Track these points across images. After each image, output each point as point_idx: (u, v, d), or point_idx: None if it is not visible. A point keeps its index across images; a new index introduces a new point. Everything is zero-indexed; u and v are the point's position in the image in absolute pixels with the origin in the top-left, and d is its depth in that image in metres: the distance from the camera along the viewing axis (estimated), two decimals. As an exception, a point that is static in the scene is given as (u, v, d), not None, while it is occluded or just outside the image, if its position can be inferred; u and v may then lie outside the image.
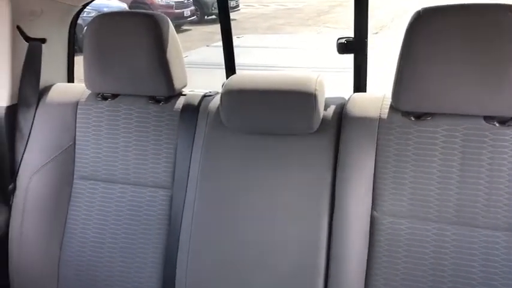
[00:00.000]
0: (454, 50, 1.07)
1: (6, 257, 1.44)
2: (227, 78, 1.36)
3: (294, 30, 10.13)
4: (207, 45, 8.25)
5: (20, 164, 1.45)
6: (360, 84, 1.53)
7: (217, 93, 1.42)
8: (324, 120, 1.26)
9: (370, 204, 1.20)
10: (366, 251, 1.20)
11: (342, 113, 1.27)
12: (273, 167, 1.27)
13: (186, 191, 1.33)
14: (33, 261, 1.41)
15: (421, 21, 1.10)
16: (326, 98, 1.29)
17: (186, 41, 8.51)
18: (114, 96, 1.43)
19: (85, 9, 1.73)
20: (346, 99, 1.31)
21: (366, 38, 1.49)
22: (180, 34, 8.76)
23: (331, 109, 1.29)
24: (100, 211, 1.40)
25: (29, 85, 1.49)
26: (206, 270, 1.29)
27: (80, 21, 1.74)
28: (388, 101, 1.23)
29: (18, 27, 1.46)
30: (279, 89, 1.24)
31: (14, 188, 1.45)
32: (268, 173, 1.27)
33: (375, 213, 1.20)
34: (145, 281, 1.35)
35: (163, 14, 1.37)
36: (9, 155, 1.47)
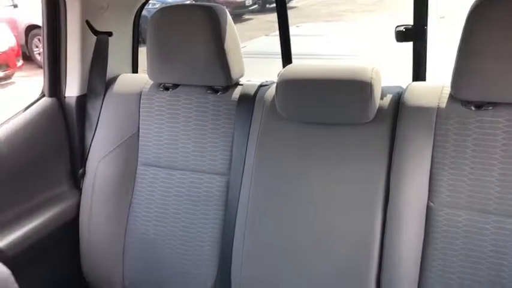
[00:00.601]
0: None
1: (77, 237, 1.55)
2: (283, 67, 1.38)
3: (355, 16, 9.90)
4: (266, 35, 8.25)
5: (89, 150, 1.55)
6: (419, 73, 1.49)
7: (273, 82, 1.44)
8: (380, 109, 1.25)
9: (427, 195, 1.18)
10: (421, 242, 1.19)
11: (398, 102, 1.26)
12: (327, 156, 1.28)
13: (242, 178, 1.37)
14: (101, 241, 1.51)
15: (483, 8, 1.06)
16: (383, 87, 1.28)
17: (248, 30, 8.55)
18: (175, 86, 1.48)
19: (150, 1, 1.79)
20: (404, 88, 1.29)
21: (426, 25, 1.45)
22: (242, 24, 8.81)
23: (388, 98, 1.27)
24: (161, 195, 1.47)
25: (97, 76, 1.58)
26: (260, 254, 1.32)
27: (145, 12, 1.81)
28: (448, 90, 1.20)
29: (87, 22, 1.55)
30: (335, 78, 1.24)
31: (84, 173, 1.55)
32: (322, 161, 1.28)
33: (431, 204, 1.18)
34: (203, 263, 1.41)
35: (222, 6, 1.40)
36: (79, 141, 1.58)
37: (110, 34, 1.61)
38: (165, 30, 1.39)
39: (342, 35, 7.99)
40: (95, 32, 1.57)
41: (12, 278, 0.70)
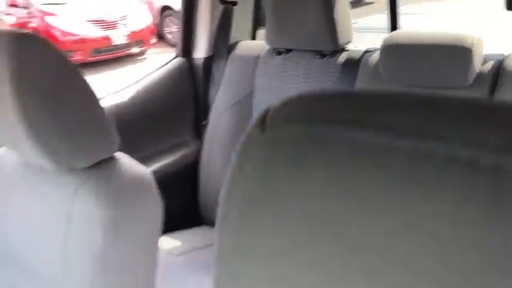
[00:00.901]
0: None
1: (197, 179, 1.80)
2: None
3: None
4: (380, 13, 8.08)
5: (211, 105, 1.79)
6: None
7: (378, 49, 1.53)
8: (480, 74, 1.30)
9: None
10: None
11: (499, 68, 1.29)
12: None
13: None
14: (217, 182, 1.74)
15: None
16: (485, 54, 1.32)
17: (368, 12, 8.47)
18: (288, 51, 1.65)
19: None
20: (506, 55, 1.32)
21: None
22: (363, 7, 8.71)
23: (489, 64, 1.31)
24: None
25: (222, 41, 1.81)
26: None
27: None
28: None
29: None
30: (437, 43, 1.31)
31: (206, 124, 1.79)
32: None
33: None
34: None
35: None
36: (203, 96, 1.82)
37: (234, 4, 1.81)
38: (283, 1, 1.56)
39: (455, 15, 7.59)
40: (222, 2, 1.79)
41: (152, 179, 0.92)
